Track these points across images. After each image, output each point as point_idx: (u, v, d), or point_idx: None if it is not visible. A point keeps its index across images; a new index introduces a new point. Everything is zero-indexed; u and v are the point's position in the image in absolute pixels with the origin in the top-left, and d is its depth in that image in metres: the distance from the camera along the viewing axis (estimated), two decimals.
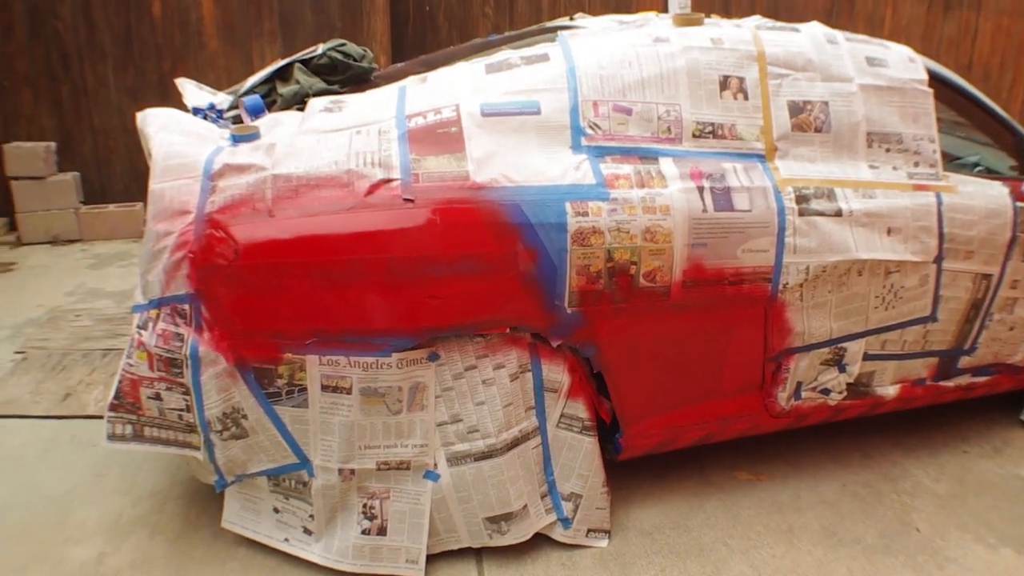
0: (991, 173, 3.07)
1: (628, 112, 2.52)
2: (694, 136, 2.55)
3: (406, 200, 2.29)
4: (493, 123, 2.45)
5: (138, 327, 2.33)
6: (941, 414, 3.29)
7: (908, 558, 2.62)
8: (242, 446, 2.39)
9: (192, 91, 3.12)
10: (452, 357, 2.40)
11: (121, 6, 5.14)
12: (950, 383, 3.05)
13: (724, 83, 2.60)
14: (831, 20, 4.96)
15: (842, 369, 2.79)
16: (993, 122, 3.07)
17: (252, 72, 5.49)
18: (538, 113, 2.47)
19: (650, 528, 2.70)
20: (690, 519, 2.75)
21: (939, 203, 2.74)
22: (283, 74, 2.97)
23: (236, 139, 2.52)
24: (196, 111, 2.86)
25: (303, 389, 2.33)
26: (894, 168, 2.73)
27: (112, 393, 2.37)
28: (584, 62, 2.55)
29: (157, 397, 2.35)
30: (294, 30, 5.20)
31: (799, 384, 2.76)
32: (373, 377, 2.33)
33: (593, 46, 2.62)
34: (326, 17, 5.22)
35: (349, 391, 2.34)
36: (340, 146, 2.40)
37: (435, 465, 2.44)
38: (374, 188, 2.31)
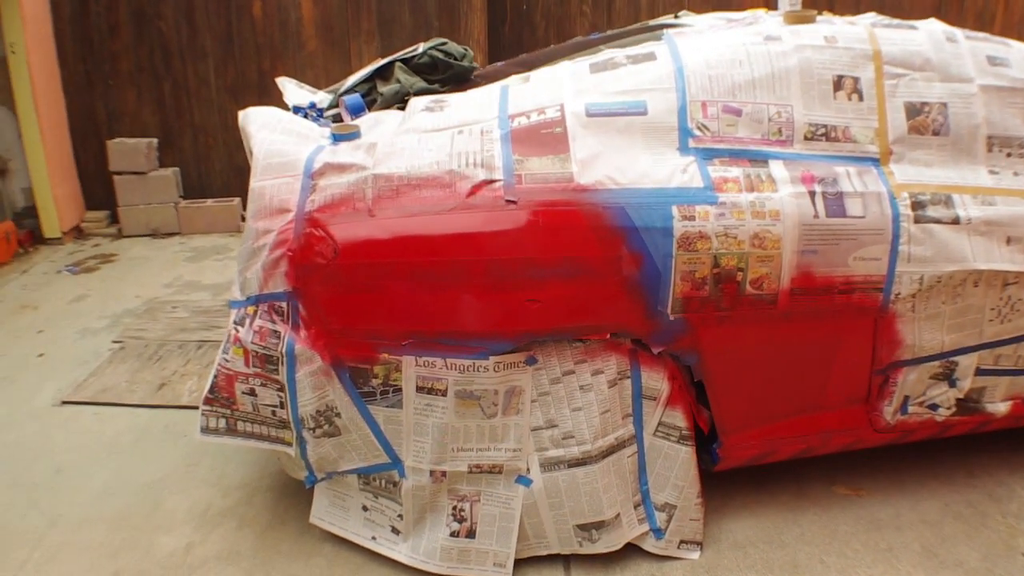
0: None
1: (738, 113, 2.33)
2: (806, 138, 2.35)
3: (508, 201, 2.16)
4: (598, 123, 2.29)
5: (235, 323, 2.25)
6: None
7: None
8: (334, 444, 2.29)
9: (292, 90, 3.03)
10: (550, 361, 2.26)
11: (222, 7, 5.11)
12: None
13: (838, 83, 2.39)
14: (940, 16, 4.62)
15: (952, 384, 2.56)
16: None
17: (350, 71, 5.41)
18: (645, 114, 2.31)
19: (743, 541, 2.52)
20: (785, 534, 2.55)
21: None
22: (383, 73, 2.86)
23: (337, 138, 2.42)
24: (296, 110, 2.78)
25: (398, 390, 2.21)
26: (1015, 174, 2.48)
27: (207, 387, 2.30)
28: (692, 61, 2.37)
29: (252, 393, 2.27)
30: (391, 29, 5.09)
31: (906, 398, 2.54)
32: (469, 380, 2.20)
33: (701, 45, 2.43)
34: (423, 16, 5.10)
35: (444, 393, 2.21)
36: (441, 146, 2.27)
37: (528, 470, 2.30)
38: (476, 189, 2.17)
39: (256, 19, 5.12)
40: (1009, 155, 2.49)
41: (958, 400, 2.60)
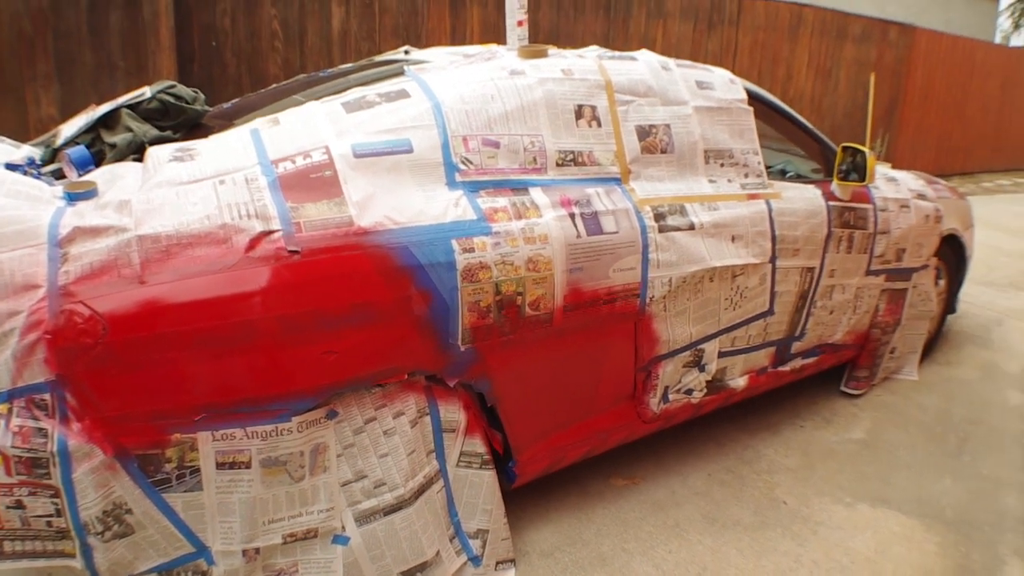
0: (800, 178, 3.29)
1: (496, 145, 2.41)
2: (558, 164, 2.49)
3: (291, 252, 2.04)
4: (367, 164, 2.24)
5: None
6: (773, 395, 3.48)
7: (784, 529, 2.74)
8: (127, 544, 2.00)
9: None
10: (351, 412, 2.17)
11: None
12: (786, 367, 3.22)
13: (579, 112, 2.56)
14: (608, 41, 5.12)
15: (702, 369, 2.86)
16: (801, 133, 3.28)
17: (27, 120, 4.78)
18: (411, 151, 2.30)
19: (549, 548, 2.61)
20: (583, 532, 2.69)
21: (769, 209, 2.87)
22: (108, 122, 2.55)
23: (72, 197, 2.11)
24: (11, 167, 2.39)
25: (196, 471, 2.00)
26: (729, 181, 2.83)
27: None
28: (447, 97, 2.40)
29: (18, 505, 1.91)
30: (72, 71, 4.51)
31: (666, 388, 2.79)
32: (273, 446, 2.05)
33: (452, 81, 2.47)
34: (106, 55, 4.58)
35: (248, 465, 2.04)
36: (207, 198, 2.08)
37: (343, 528, 2.19)
38: (255, 242, 2.02)
39: None
40: (722, 165, 2.83)
41: (707, 382, 2.90)
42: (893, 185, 3.67)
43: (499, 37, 5.56)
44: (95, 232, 1.99)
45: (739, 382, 3.03)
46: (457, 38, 5.54)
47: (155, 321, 1.94)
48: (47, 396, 1.89)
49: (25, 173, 2.34)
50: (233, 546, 2.07)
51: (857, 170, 3.22)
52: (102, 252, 1.96)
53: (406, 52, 3.19)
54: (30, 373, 1.88)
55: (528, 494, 2.81)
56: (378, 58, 3.28)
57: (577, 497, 2.87)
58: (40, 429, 1.88)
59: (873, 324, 3.66)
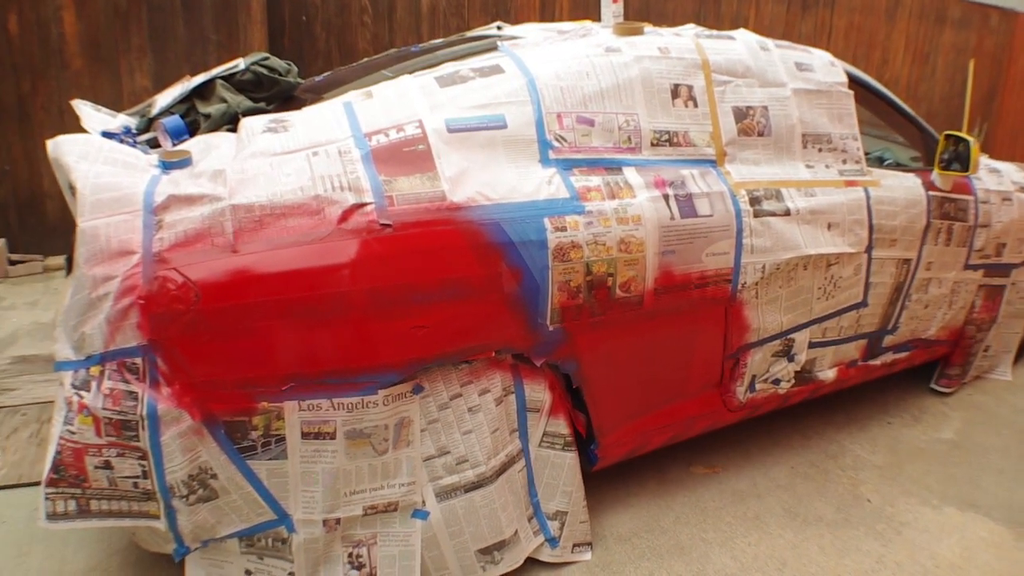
0: (900, 166, 3.10)
1: (591, 123, 2.30)
2: (652, 144, 2.37)
3: (383, 225, 1.98)
4: (461, 139, 2.16)
5: (75, 388, 1.87)
6: (860, 389, 3.31)
7: (868, 528, 2.60)
8: (211, 508, 1.99)
9: (90, 113, 2.59)
10: (436, 387, 2.11)
11: None
12: (877, 361, 3.06)
13: (675, 91, 2.43)
14: (700, 20, 4.94)
15: (791, 359, 2.72)
16: (902, 119, 3.09)
17: (121, 91, 4.84)
18: (505, 127, 2.21)
19: (627, 534, 2.52)
20: (662, 519, 2.59)
21: (867, 197, 2.71)
22: (202, 92, 2.52)
23: (167, 166, 2.09)
24: (107, 135, 2.38)
25: (281, 439, 1.96)
26: (827, 166, 2.67)
27: (48, 466, 1.90)
28: (542, 73, 2.30)
29: (107, 466, 1.90)
30: (165, 44, 4.55)
31: (754, 377, 2.66)
32: (359, 418, 2.00)
33: (546, 57, 2.37)
34: (199, 30, 4.61)
35: (333, 436, 1.99)
36: (300, 170, 2.03)
37: (423, 502, 2.13)
38: (347, 214, 1.97)
39: (12, 35, 4.33)
40: (820, 150, 2.67)
41: (796, 373, 2.77)
42: (995, 177, 3.44)
43: (589, 14, 5.44)
44: (189, 200, 1.96)
45: (828, 374, 2.88)
46: (547, 14, 5.42)
47: (246, 290, 1.90)
48: (138, 360, 1.87)
49: (121, 141, 2.33)
50: (314, 515, 2.03)
51: (960, 160, 3.01)
52: (196, 220, 1.93)
53: (498, 28, 3.10)
54: (123, 337, 1.86)
55: (607, 478, 2.72)
56: (470, 33, 3.20)
57: (656, 483, 2.76)
58: (130, 392, 1.86)
59: (968, 320, 3.45)
